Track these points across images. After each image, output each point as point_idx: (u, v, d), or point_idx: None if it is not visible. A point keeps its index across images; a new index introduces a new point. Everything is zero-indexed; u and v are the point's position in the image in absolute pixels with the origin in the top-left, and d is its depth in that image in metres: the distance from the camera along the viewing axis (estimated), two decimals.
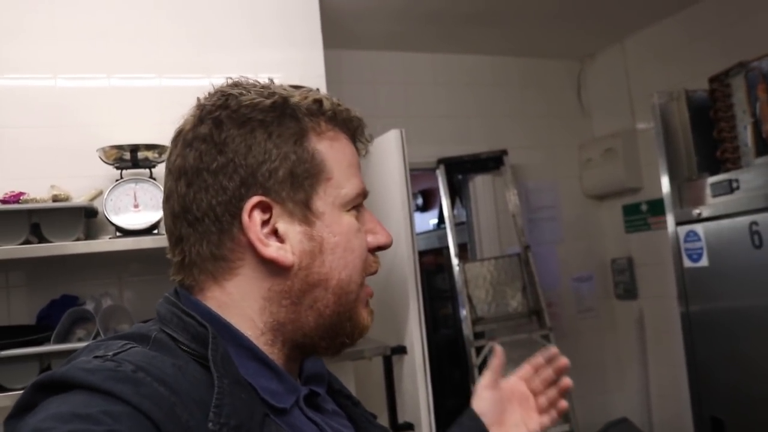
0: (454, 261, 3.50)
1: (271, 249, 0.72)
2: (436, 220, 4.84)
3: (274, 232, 0.73)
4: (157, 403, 0.60)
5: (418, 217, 5.09)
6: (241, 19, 2.52)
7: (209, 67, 2.42)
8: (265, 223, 0.73)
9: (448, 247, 3.58)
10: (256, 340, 0.73)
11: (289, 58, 2.57)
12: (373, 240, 0.81)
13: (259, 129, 0.73)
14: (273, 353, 0.75)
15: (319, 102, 0.77)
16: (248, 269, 0.74)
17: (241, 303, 0.74)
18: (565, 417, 3.52)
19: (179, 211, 0.75)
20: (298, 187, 0.74)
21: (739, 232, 2.20)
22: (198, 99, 0.78)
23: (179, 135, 0.77)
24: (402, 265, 2.44)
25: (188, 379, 0.65)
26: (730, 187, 2.25)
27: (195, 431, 0.61)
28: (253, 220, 0.72)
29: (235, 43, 2.49)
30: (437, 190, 3.72)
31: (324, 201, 0.75)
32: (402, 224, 2.45)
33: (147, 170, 2.15)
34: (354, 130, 0.82)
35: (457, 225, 3.72)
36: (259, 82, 0.78)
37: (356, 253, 0.77)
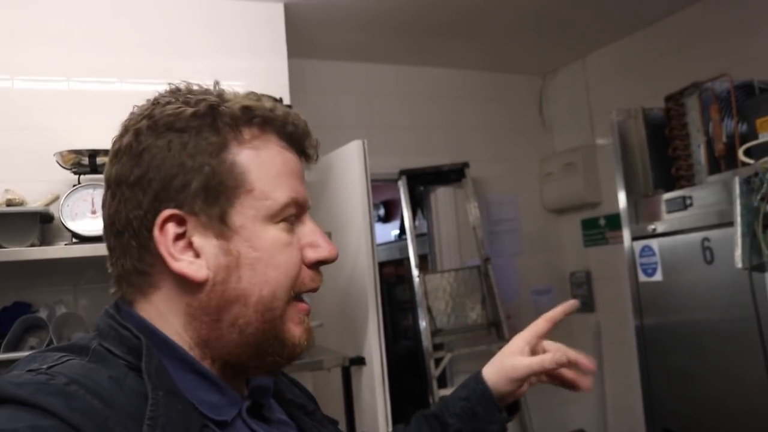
0: (415, 272, 3.51)
1: (182, 263, 0.70)
2: (398, 231, 4.85)
3: (191, 246, 0.71)
4: (89, 417, 0.59)
5: (381, 227, 5.09)
6: (205, 26, 2.51)
7: (171, 73, 2.39)
8: (180, 236, 0.71)
9: (408, 258, 3.59)
10: (189, 353, 0.72)
11: (253, 66, 2.56)
12: (313, 254, 0.76)
13: (175, 140, 0.71)
14: (207, 367, 0.73)
15: (247, 108, 0.73)
16: (168, 284, 0.72)
17: (167, 317, 0.72)
18: (521, 428, 3.56)
19: (107, 223, 0.74)
20: (214, 200, 0.71)
21: (692, 247, 2.26)
22: (133, 107, 0.77)
23: (111, 144, 0.76)
24: (362, 275, 2.44)
25: (125, 392, 0.64)
26: (683, 204, 2.30)
27: None
28: (164, 234, 0.70)
29: (198, 50, 2.48)
30: (400, 201, 3.73)
31: (243, 214, 0.72)
32: (362, 235, 2.45)
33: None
34: (291, 136, 0.77)
35: (419, 236, 3.74)
36: (199, 87, 0.77)
37: (281, 270, 0.73)
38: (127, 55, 2.37)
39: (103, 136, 2.17)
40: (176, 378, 0.69)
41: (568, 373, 1.06)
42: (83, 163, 2.07)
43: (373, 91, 3.75)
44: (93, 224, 2.00)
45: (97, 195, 2.03)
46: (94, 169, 2.08)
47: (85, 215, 2.01)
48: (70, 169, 2.09)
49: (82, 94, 2.30)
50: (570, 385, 1.06)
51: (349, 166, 2.53)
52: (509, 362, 1.04)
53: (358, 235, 2.47)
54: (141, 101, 0.78)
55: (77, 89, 2.29)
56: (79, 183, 2.07)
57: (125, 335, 0.70)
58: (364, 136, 2.56)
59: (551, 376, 1.06)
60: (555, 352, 1.04)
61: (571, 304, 1.11)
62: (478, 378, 1.05)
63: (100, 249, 1.90)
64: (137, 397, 0.64)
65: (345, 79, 3.68)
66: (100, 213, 1.96)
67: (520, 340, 1.07)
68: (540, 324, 1.09)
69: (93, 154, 2.06)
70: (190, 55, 2.46)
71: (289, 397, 0.88)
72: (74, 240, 2.01)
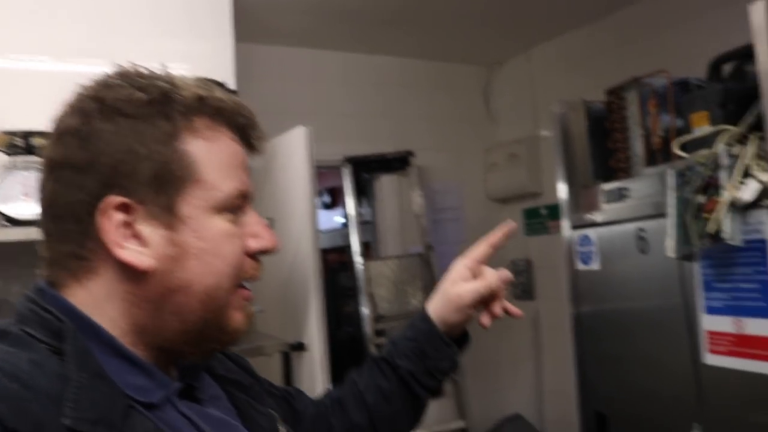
0: (357, 259, 3.52)
1: (128, 252, 0.69)
2: (344, 219, 4.84)
3: (136, 234, 0.70)
4: (2, 399, 0.58)
5: (326, 214, 5.08)
6: (145, 5, 2.45)
7: (110, 53, 2.30)
8: (126, 224, 0.70)
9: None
10: (120, 339, 0.71)
11: (197, 49, 2.51)
12: (255, 244, 0.77)
13: (126, 126, 0.69)
14: (138, 352, 0.72)
15: (201, 98, 0.73)
16: (109, 271, 0.71)
17: (103, 303, 0.71)
18: (460, 413, 3.61)
19: (46, 206, 0.73)
20: (162, 189, 0.70)
21: (627, 237, 2.32)
22: (80, 86, 0.74)
23: (54, 125, 0.74)
24: (304, 262, 2.43)
25: (47, 375, 0.63)
26: (620, 195, 2.36)
27: (49, 427, 0.59)
28: (110, 221, 0.69)
29: (138, 31, 2.41)
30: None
31: (191, 204, 0.71)
32: (305, 221, 2.44)
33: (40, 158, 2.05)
34: (242, 128, 0.77)
35: (364, 224, 3.74)
36: (148, 71, 0.74)
37: (226, 260, 0.73)
38: (62, 34, 2.29)
39: (37, 117, 2.10)
40: (101, 362, 0.68)
41: (497, 309, 1.07)
42: (17, 144, 1.99)
43: (318, 78, 3.72)
44: (26, 208, 1.94)
45: (32, 177, 1.96)
46: (29, 150, 2.01)
47: (17, 198, 1.94)
48: (3, 151, 2.01)
49: (14, 72, 2.21)
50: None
51: (293, 153, 2.51)
52: (453, 291, 1.04)
53: (301, 221, 2.46)
54: (77, 82, 0.75)
55: (9, 68, 2.21)
56: (12, 165, 2.00)
57: (47, 318, 0.69)
58: (309, 123, 2.54)
59: (487, 308, 1.06)
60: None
61: (509, 225, 1.09)
62: (423, 316, 1.04)
63: (34, 233, 1.85)
64: (60, 381, 0.63)
65: (291, 64, 3.64)
66: (33, 196, 1.91)
67: (461, 267, 1.06)
68: (480, 248, 1.08)
69: (27, 135, 1.99)
70: (130, 36, 2.39)
71: (221, 372, 0.88)
72: (5, 223, 1.95)
